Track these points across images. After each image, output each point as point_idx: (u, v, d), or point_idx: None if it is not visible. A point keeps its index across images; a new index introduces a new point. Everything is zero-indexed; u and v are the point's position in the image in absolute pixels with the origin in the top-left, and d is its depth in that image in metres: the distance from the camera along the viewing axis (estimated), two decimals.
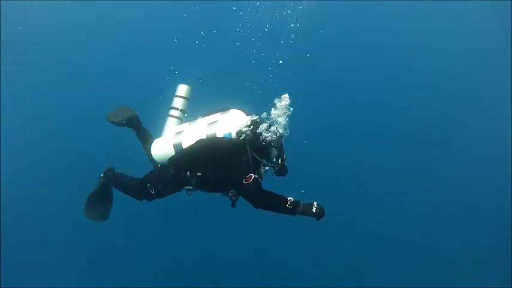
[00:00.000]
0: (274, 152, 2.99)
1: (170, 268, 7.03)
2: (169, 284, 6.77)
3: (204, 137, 2.95)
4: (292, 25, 6.16)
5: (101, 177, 3.63)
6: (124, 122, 3.53)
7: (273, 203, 2.97)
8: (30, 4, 7.93)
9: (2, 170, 6.91)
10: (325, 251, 7.27)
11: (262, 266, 7.15)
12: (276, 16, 6.29)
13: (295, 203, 2.95)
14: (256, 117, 3.01)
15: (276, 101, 3.02)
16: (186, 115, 3.56)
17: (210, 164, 2.97)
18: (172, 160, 3.10)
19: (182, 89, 3.52)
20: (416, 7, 8.85)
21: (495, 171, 8.01)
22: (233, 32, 7.01)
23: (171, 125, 3.44)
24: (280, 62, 4.66)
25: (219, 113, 3.14)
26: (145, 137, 3.52)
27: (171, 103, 3.51)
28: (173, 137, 3.13)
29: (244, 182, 2.86)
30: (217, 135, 2.93)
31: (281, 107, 2.98)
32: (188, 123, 3.27)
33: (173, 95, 3.53)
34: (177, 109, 3.47)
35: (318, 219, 2.98)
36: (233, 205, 3.18)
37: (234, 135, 2.91)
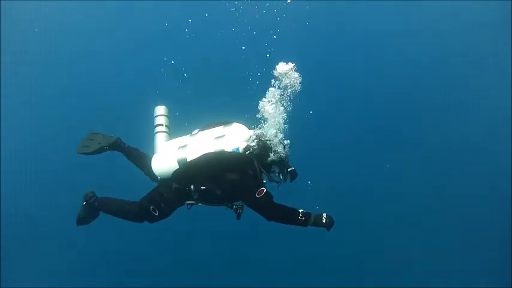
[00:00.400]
0: (277, 165, 3.09)
1: (170, 268, 7.04)
2: (169, 284, 6.78)
3: (212, 151, 2.99)
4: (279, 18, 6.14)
5: (83, 204, 3.41)
6: (106, 147, 3.47)
7: (286, 215, 3.02)
8: (30, 4, 7.94)
9: (2, 170, 6.92)
10: (324, 251, 7.26)
11: (261, 266, 7.16)
12: (264, 13, 6.27)
13: (306, 215, 3.01)
14: (259, 131, 3.08)
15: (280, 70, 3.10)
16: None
17: (217, 177, 2.98)
18: (177, 174, 3.07)
19: (160, 109, 3.56)
20: (416, 7, 8.85)
21: (495, 171, 8.01)
22: (219, 28, 7.10)
23: (161, 140, 3.43)
24: (267, 55, 4.68)
25: (221, 127, 3.19)
26: (140, 158, 3.49)
27: (154, 123, 3.52)
28: (176, 151, 3.12)
29: (256, 195, 2.92)
30: (225, 150, 2.98)
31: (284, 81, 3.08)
32: (187, 136, 3.27)
33: (154, 116, 3.56)
34: (161, 125, 3.49)
35: (328, 229, 3.05)
36: (238, 218, 3.22)
37: (241, 150, 2.99)
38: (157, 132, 3.46)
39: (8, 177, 6.87)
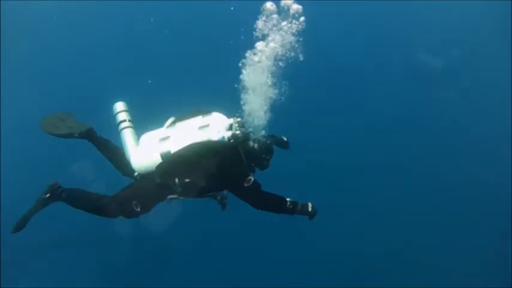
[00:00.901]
0: (261, 152, 3.06)
1: (169, 268, 7.04)
2: (169, 283, 6.78)
3: (198, 141, 2.90)
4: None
5: (45, 196, 3.13)
6: (76, 134, 3.24)
7: (274, 203, 3.04)
8: (30, 4, 7.96)
9: (2, 170, 6.92)
10: (322, 250, 7.26)
11: (260, 265, 7.15)
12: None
13: (293, 204, 3.05)
14: (239, 119, 3.03)
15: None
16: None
17: (203, 168, 2.86)
18: (162, 168, 2.93)
19: (120, 106, 3.36)
20: (416, 7, 8.86)
21: (495, 171, 8.01)
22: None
23: (129, 136, 3.22)
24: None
25: (200, 116, 3.10)
26: (113, 150, 3.31)
27: (116, 120, 3.32)
28: (158, 144, 2.99)
29: (245, 184, 2.91)
30: (212, 140, 2.90)
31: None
32: (163, 128, 3.15)
33: (114, 113, 3.35)
34: (125, 121, 3.30)
35: (311, 218, 3.11)
36: (224, 208, 3.22)
37: (226, 139, 2.92)
38: (124, 128, 3.25)
39: (8, 177, 6.87)
